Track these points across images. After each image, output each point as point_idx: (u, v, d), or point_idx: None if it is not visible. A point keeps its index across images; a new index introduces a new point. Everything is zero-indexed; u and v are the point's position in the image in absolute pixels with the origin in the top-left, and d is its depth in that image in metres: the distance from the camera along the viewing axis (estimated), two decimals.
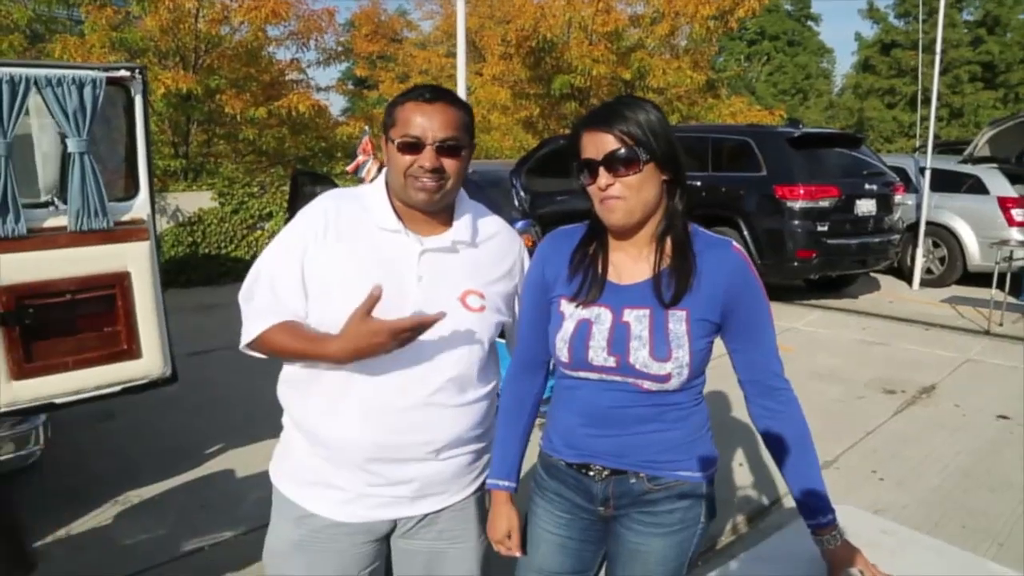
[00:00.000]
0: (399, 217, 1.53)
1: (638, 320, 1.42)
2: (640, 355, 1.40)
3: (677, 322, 1.40)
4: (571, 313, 1.47)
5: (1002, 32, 25.71)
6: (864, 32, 30.36)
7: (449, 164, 1.48)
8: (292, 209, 7.28)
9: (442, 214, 1.57)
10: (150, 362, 3.25)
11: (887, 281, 9.36)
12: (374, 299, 1.35)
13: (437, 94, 1.50)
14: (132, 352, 3.18)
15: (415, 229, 1.54)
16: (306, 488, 1.58)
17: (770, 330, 1.49)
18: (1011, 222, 8.44)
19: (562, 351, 1.47)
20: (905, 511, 3.43)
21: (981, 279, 8.11)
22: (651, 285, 1.43)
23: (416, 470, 1.54)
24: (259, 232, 9.24)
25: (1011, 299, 7.41)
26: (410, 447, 1.52)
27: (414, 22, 22.33)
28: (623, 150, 1.37)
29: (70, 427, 4.09)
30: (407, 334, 1.38)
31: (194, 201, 9.02)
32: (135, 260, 3.16)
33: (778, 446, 1.49)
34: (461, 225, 1.58)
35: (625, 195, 1.39)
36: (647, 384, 1.43)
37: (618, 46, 13.02)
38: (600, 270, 1.48)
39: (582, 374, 1.48)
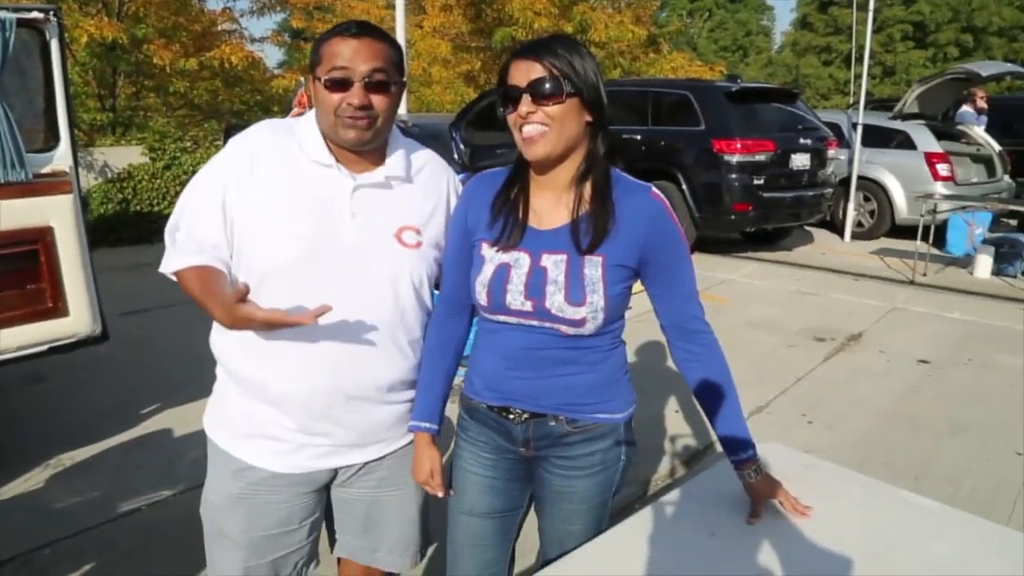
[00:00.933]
0: (331, 151, 1.49)
1: (555, 265, 1.43)
2: (556, 300, 1.42)
3: (593, 267, 1.42)
4: (491, 257, 1.48)
5: None
6: None
7: (378, 101, 1.43)
8: None
9: (375, 152, 1.53)
10: (78, 320, 3.14)
11: (820, 234, 9.64)
12: (242, 293, 1.29)
13: (364, 28, 1.44)
14: (58, 310, 3.07)
15: (347, 165, 1.50)
16: (243, 440, 1.55)
17: (689, 275, 1.50)
18: (936, 176, 8.74)
19: (481, 295, 1.48)
20: (833, 452, 3.60)
21: (908, 232, 8.42)
22: (569, 230, 1.44)
23: (357, 416, 1.53)
24: None
25: (935, 250, 7.73)
26: (351, 390, 1.50)
27: None
28: (548, 79, 1.36)
29: None
30: (282, 327, 1.34)
31: (123, 157, 8.66)
32: (58, 214, 3.03)
33: (700, 387, 1.53)
34: (394, 161, 1.54)
35: (547, 123, 1.37)
36: (563, 328, 1.45)
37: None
38: (521, 215, 1.47)
39: (500, 318, 1.49)
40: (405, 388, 1.59)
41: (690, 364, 1.53)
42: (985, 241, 7.96)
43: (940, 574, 1.35)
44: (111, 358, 4.28)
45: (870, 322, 5.90)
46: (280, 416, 1.51)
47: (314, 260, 1.45)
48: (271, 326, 1.33)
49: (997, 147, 9.53)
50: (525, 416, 1.53)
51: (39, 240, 2.98)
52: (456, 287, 1.58)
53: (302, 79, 8.67)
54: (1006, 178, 9.56)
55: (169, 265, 1.49)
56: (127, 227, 8.38)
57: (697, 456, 3.61)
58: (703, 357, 1.52)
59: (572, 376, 1.50)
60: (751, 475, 1.51)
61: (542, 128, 1.38)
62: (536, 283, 1.43)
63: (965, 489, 3.33)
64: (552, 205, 1.48)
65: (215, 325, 1.57)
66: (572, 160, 1.45)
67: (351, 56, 1.40)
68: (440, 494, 1.62)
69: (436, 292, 1.69)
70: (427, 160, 1.64)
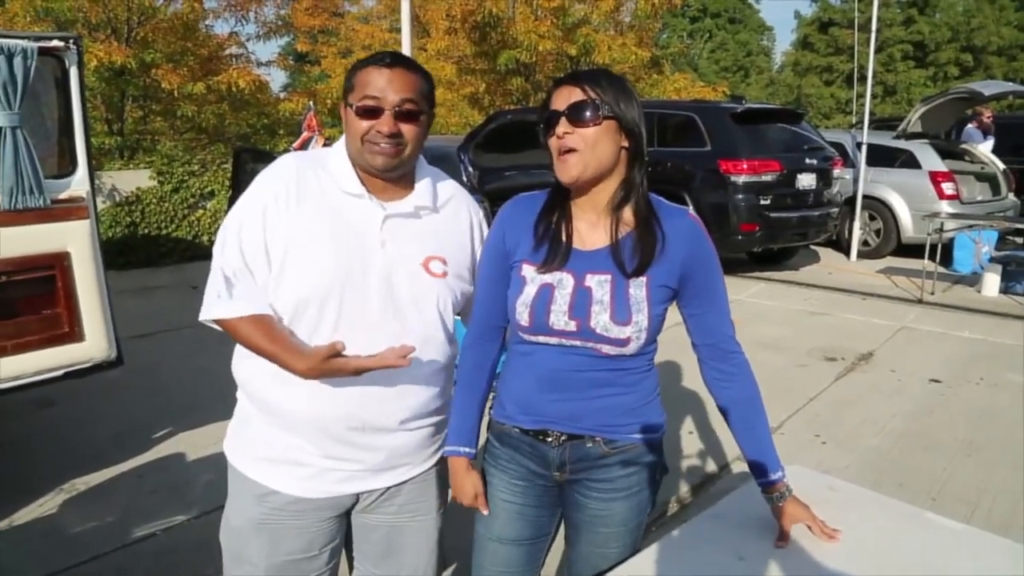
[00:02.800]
0: (362, 182, 1.51)
1: (600, 285, 1.44)
2: (601, 319, 1.43)
3: (638, 287, 1.44)
4: (532, 278, 1.48)
5: (932, 12, 26.55)
6: (803, 10, 31.03)
7: (407, 130, 1.46)
8: (235, 187, 7.09)
9: (403, 179, 1.55)
10: (94, 345, 3.15)
11: (826, 253, 9.65)
12: (335, 351, 1.35)
13: (397, 59, 1.48)
14: (74, 335, 3.08)
15: (377, 194, 1.52)
16: (266, 465, 1.55)
17: (723, 294, 1.53)
18: (941, 195, 8.77)
19: (523, 315, 1.48)
20: (846, 471, 3.58)
21: (914, 250, 8.42)
22: (610, 252, 1.46)
23: (381, 441, 1.53)
24: (200, 212, 8.99)
25: (942, 269, 7.72)
26: (375, 417, 1.51)
27: None
28: (587, 103, 1.40)
29: (10, 415, 3.95)
30: (371, 369, 1.39)
31: (131, 180, 8.71)
32: (75, 239, 3.05)
33: (730, 408, 1.54)
34: (422, 190, 1.56)
35: (579, 146, 1.40)
36: (606, 348, 1.45)
37: (563, 22, 12.98)
38: (565, 238, 1.49)
39: (541, 339, 1.49)
40: (428, 415, 1.60)
41: (721, 384, 1.54)
42: (992, 259, 7.95)
43: None
44: (121, 382, 4.28)
45: (880, 341, 5.88)
46: (303, 442, 1.51)
47: (345, 287, 1.46)
48: (360, 374, 1.39)
49: (1001, 165, 9.57)
50: (563, 438, 1.53)
51: (56, 265, 3.00)
52: (489, 311, 1.59)
53: (311, 103, 8.72)
54: (1011, 196, 9.58)
55: (220, 311, 1.47)
56: (136, 250, 8.42)
57: (711, 478, 3.59)
58: (736, 377, 1.53)
59: (611, 397, 1.50)
60: (780, 498, 1.51)
61: (575, 150, 1.41)
62: (580, 303, 1.44)
63: (982, 509, 3.30)
64: (592, 226, 1.50)
65: (237, 350, 1.58)
66: (607, 184, 1.47)
67: (383, 85, 1.43)
68: (486, 512, 1.62)
69: (457, 318, 1.70)
70: (454, 192, 1.67)
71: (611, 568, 1.50)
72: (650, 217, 1.47)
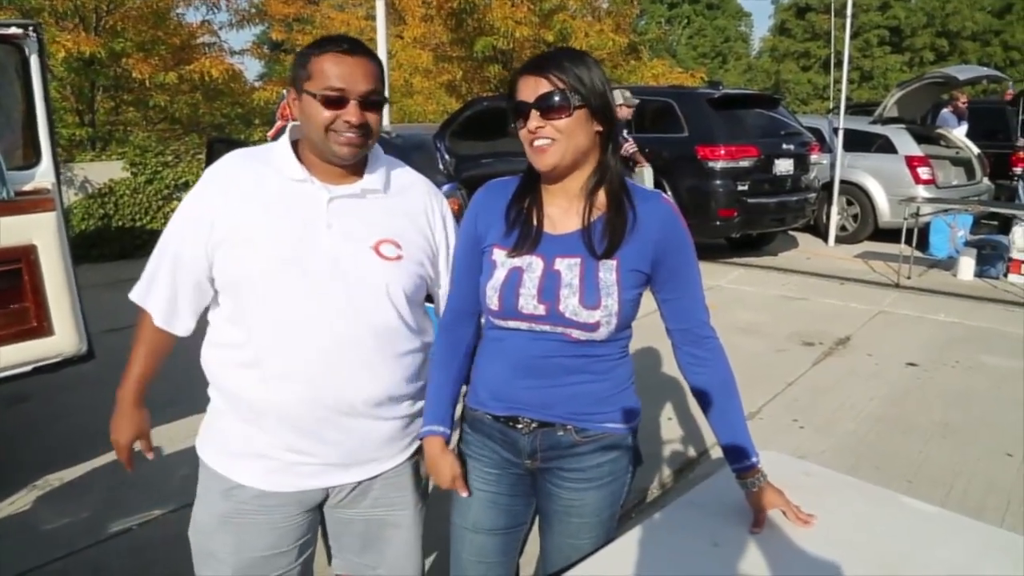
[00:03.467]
0: (305, 166, 1.49)
1: (569, 268, 1.43)
2: (570, 303, 1.42)
3: (607, 271, 1.42)
4: (503, 262, 1.48)
5: None
6: None
7: (372, 119, 1.46)
8: None
9: (354, 166, 1.53)
10: (63, 339, 3.09)
11: (804, 238, 9.71)
12: (146, 448, 1.73)
13: (356, 46, 1.45)
14: (43, 329, 3.02)
15: (322, 179, 1.50)
16: (233, 459, 1.53)
17: (697, 279, 1.52)
18: (917, 180, 8.84)
19: (492, 299, 1.47)
20: (824, 456, 3.61)
21: (891, 235, 8.50)
22: (581, 235, 1.45)
23: (348, 430, 1.50)
24: (175, 203, 8.86)
25: (918, 253, 7.80)
26: (336, 405, 1.48)
27: None
28: (555, 93, 1.38)
29: None
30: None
31: (104, 172, 8.57)
32: (41, 232, 2.98)
33: (704, 393, 1.53)
34: (372, 175, 1.55)
35: (555, 137, 1.39)
36: (576, 333, 1.44)
37: (540, 8, 12.92)
38: (536, 223, 1.48)
39: (511, 323, 1.48)
40: (393, 404, 1.56)
41: (695, 369, 1.53)
42: (967, 243, 8.04)
43: None
44: (95, 376, 4.19)
45: (857, 326, 5.93)
46: (267, 435, 1.49)
47: (291, 271, 1.44)
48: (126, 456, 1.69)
49: (976, 150, 9.66)
50: (534, 426, 1.52)
51: (22, 259, 2.93)
52: (464, 295, 1.58)
53: (286, 92, 8.61)
54: (985, 180, 9.68)
55: (141, 298, 1.60)
56: (109, 243, 8.29)
57: (690, 464, 3.60)
58: (709, 363, 1.52)
59: (582, 384, 1.49)
60: (754, 483, 1.50)
61: (551, 141, 1.40)
62: (549, 287, 1.43)
63: (957, 491, 3.34)
64: (564, 212, 1.49)
65: (206, 341, 1.58)
66: (583, 170, 1.46)
67: (347, 75, 1.41)
68: (465, 494, 1.60)
69: (429, 305, 1.67)
70: (411, 179, 1.65)
71: (585, 557, 1.49)
72: (622, 199, 1.45)
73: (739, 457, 1.51)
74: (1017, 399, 4.39)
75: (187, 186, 8.96)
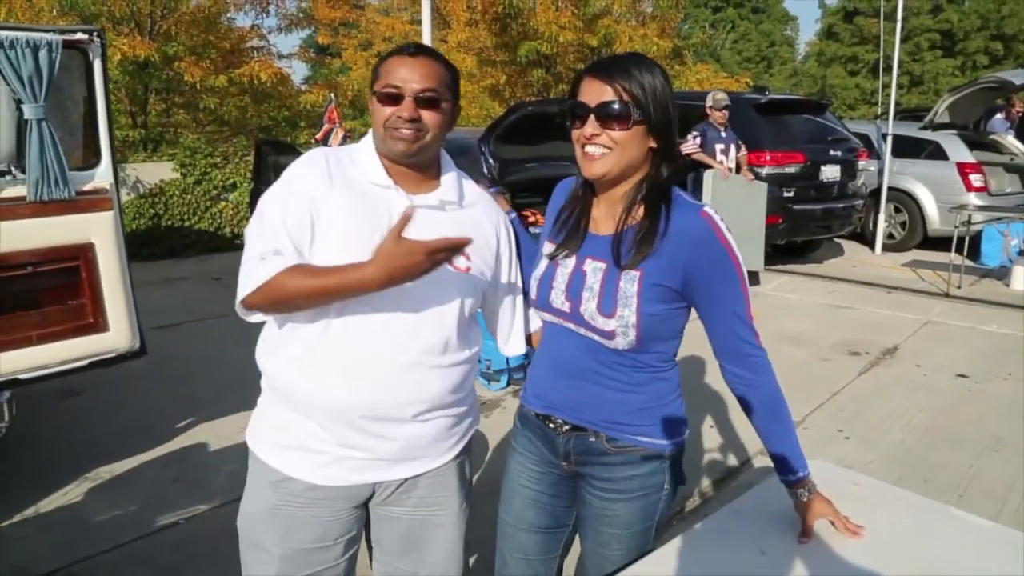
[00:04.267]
0: (388, 173, 1.53)
1: (594, 272, 1.45)
2: (589, 306, 1.44)
3: (629, 281, 1.41)
4: (548, 253, 1.54)
5: (960, 0, 26.03)
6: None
7: (428, 116, 1.48)
8: (257, 179, 7.14)
9: (429, 171, 1.57)
10: (118, 335, 3.18)
11: (850, 246, 9.52)
12: (407, 218, 1.31)
13: (421, 49, 1.51)
14: (99, 325, 3.11)
15: (403, 185, 1.53)
16: (283, 451, 1.56)
17: (737, 297, 1.44)
18: (969, 187, 8.61)
19: (533, 288, 1.55)
20: (870, 467, 3.53)
21: (941, 243, 8.29)
22: (612, 241, 1.45)
23: (396, 431, 1.52)
24: (223, 203, 9.07)
25: (969, 262, 7.59)
26: (390, 407, 1.50)
27: None
28: (617, 104, 1.37)
29: (35, 404, 4.01)
30: (441, 255, 1.33)
31: (155, 172, 8.81)
32: (99, 231, 3.07)
33: (751, 410, 1.51)
34: (448, 185, 1.59)
35: (609, 147, 1.39)
36: (597, 338, 1.45)
37: (584, 12, 12.90)
38: (581, 221, 1.52)
39: (545, 315, 1.54)
40: (442, 408, 1.58)
41: (740, 387, 1.50)
42: (1021, 252, 7.80)
43: None
44: (144, 372, 4.33)
45: (905, 335, 5.80)
46: (317, 428, 1.52)
47: None
48: (433, 253, 1.31)
49: None
50: (566, 428, 1.53)
51: (80, 256, 3.03)
52: None
53: (332, 95, 8.74)
54: None
55: (256, 278, 1.40)
56: (159, 242, 8.52)
57: (732, 473, 3.56)
58: (754, 382, 1.48)
59: (612, 392, 1.49)
60: (804, 494, 1.48)
61: (604, 150, 1.40)
62: (575, 286, 1.46)
63: (1011, 506, 3.25)
64: (605, 214, 1.50)
65: (261, 338, 1.60)
66: (630, 181, 1.47)
67: (405, 73, 1.47)
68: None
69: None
70: (481, 196, 1.69)
71: (626, 566, 1.47)
72: (659, 211, 1.42)
73: (789, 469, 1.49)
74: None
75: (234, 187, 9.16)
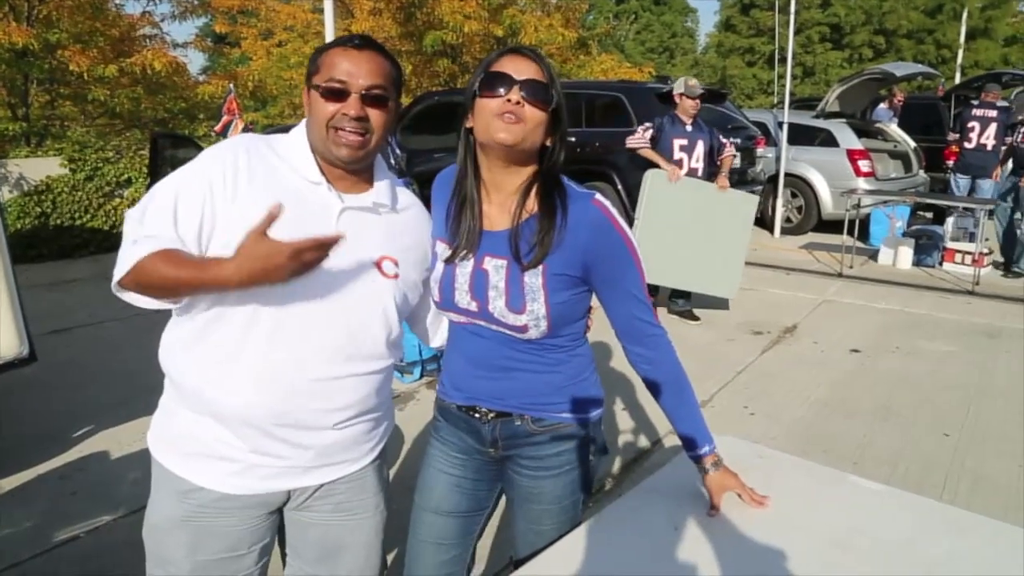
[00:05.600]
0: (321, 170, 1.44)
1: (496, 270, 1.45)
2: (497, 304, 1.44)
3: (533, 276, 1.42)
4: (443, 254, 1.52)
5: None
6: None
7: (375, 115, 1.40)
8: (154, 175, 6.81)
9: (363, 173, 1.49)
10: (4, 342, 2.99)
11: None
12: (272, 217, 1.22)
13: (367, 42, 1.42)
14: None
15: (336, 184, 1.45)
16: (191, 460, 1.47)
17: (635, 280, 1.48)
18: (858, 172, 9.11)
19: (434, 291, 1.53)
20: (775, 442, 3.70)
21: (834, 226, 8.74)
22: (509, 236, 1.45)
23: (313, 439, 1.47)
24: (117, 200, 8.61)
25: (859, 243, 8.04)
26: (307, 414, 1.44)
27: None
28: (543, 83, 1.40)
29: None
30: (310, 255, 1.24)
31: (40, 168, 8.26)
32: None
33: (656, 388, 1.55)
34: (382, 188, 1.51)
35: (525, 119, 1.38)
36: (508, 332, 1.47)
37: (489, 2, 12.89)
38: (472, 218, 1.49)
39: (452, 316, 1.53)
40: (361, 414, 1.53)
41: (644, 367, 1.54)
42: (905, 234, 8.32)
43: (897, 553, 1.41)
44: (37, 380, 4.09)
45: (804, 314, 6.10)
46: (230, 435, 1.44)
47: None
48: (299, 254, 1.22)
49: (912, 143, 9.99)
50: (491, 415, 1.54)
51: None
52: None
53: (231, 86, 8.42)
54: (921, 173, 10.03)
55: (127, 261, 1.31)
56: (47, 242, 8.03)
57: (645, 453, 3.66)
58: (656, 360, 1.53)
59: (533, 375, 1.51)
60: (710, 469, 1.54)
61: (522, 121, 1.38)
62: (479, 285, 1.46)
63: (900, 471, 3.47)
64: (498, 208, 1.49)
65: (167, 336, 1.49)
66: (523, 172, 1.46)
67: (352, 68, 1.38)
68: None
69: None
70: (414, 202, 1.63)
71: (549, 545, 1.51)
72: (554, 205, 1.43)
73: (695, 445, 1.54)
74: (953, 382, 4.57)
75: (130, 183, 8.72)
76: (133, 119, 11.07)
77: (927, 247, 7.86)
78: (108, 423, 3.82)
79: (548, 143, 1.45)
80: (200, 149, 7.82)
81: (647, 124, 5.85)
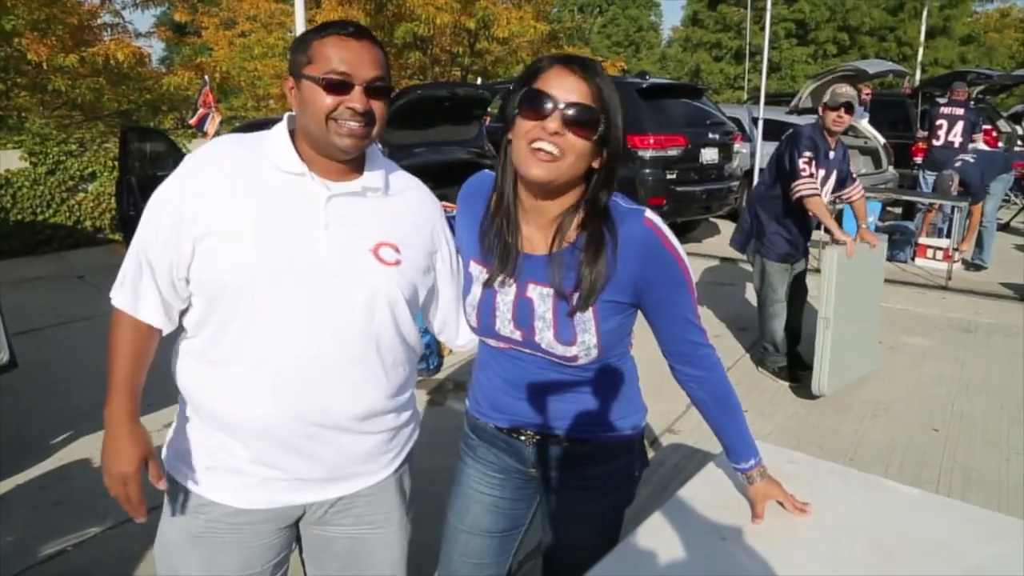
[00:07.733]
0: (302, 159, 1.37)
1: (542, 299, 1.37)
2: (545, 336, 1.37)
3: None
4: (479, 277, 1.42)
5: None
6: None
7: (377, 107, 1.34)
8: (123, 169, 6.61)
9: (353, 162, 1.41)
10: None
11: (726, 226, 9.96)
12: (155, 477, 1.38)
13: (362, 31, 1.35)
14: None
15: (321, 174, 1.38)
16: (204, 474, 1.42)
17: (687, 302, 1.42)
18: None
19: (471, 316, 1.44)
20: (769, 438, 3.70)
21: None
22: (550, 262, 1.36)
23: (329, 446, 1.40)
24: (82, 195, 8.32)
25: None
26: (320, 418, 1.38)
27: None
28: (592, 108, 1.25)
29: None
30: (128, 505, 1.39)
31: None
32: None
33: (704, 405, 1.51)
34: (372, 173, 1.43)
35: (566, 151, 1.26)
36: (557, 361, 1.41)
37: None
38: (511, 240, 1.39)
39: (491, 342, 1.44)
40: (378, 418, 1.46)
41: (690, 385, 1.49)
42: (876, 229, 8.43)
43: (945, 558, 1.39)
44: (10, 385, 3.91)
45: None
46: (241, 448, 1.39)
47: (280, 275, 1.32)
48: (126, 499, 1.39)
49: (882, 140, 10.15)
50: (537, 438, 1.48)
51: None
52: None
53: (206, 77, 8.18)
54: (891, 169, 10.18)
55: (131, 306, 1.40)
56: (8, 239, 7.73)
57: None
58: (704, 379, 1.48)
59: (581, 396, 1.46)
60: (757, 479, 1.51)
61: (558, 153, 1.26)
62: (523, 315, 1.37)
63: (894, 466, 3.50)
64: (536, 231, 1.40)
65: (179, 346, 1.45)
66: (564, 201, 1.36)
67: (353, 59, 1.31)
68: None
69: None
70: (413, 184, 1.55)
71: (593, 559, 1.46)
72: (600, 240, 1.32)
73: (744, 458, 1.51)
74: (936, 376, 4.64)
75: (95, 177, 8.44)
76: (94, 111, 10.73)
77: (899, 243, 7.97)
78: (87, 429, 3.68)
79: (595, 165, 1.33)
80: (171, 143, 7.58)
81: (807, 153, 4.09)
